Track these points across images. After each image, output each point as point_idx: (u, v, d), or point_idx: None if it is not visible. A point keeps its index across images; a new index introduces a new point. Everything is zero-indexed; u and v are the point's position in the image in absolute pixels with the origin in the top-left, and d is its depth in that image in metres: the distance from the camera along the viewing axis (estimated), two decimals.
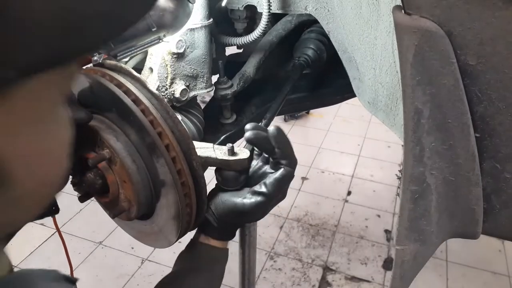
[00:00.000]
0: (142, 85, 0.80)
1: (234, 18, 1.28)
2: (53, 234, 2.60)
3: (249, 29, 1.26)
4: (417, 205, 0.73)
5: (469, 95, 0.65)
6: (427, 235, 0.78)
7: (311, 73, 1.51)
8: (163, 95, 1.09)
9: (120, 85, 0.78)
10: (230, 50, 1.46)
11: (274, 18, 1.29)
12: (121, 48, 0.87)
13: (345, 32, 1.04)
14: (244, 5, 1.22)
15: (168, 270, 0.89)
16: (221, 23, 1.29)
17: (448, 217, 0.78)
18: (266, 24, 1.14)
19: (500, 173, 0.71)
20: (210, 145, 0.92)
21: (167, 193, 0.79)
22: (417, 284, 2.29)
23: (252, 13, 1.27)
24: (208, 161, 0.89)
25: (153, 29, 0.84)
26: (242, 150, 0.87)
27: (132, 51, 0.89)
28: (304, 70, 1.38)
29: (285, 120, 3.98)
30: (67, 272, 0.88)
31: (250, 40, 1.20)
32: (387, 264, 2.46)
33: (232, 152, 0.87)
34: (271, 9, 1.12)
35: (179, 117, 0.96)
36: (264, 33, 1.19)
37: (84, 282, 2.34)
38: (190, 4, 0.88)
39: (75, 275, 0.86)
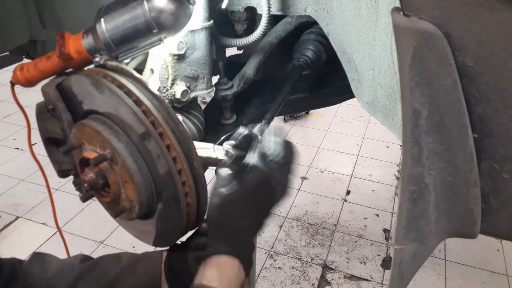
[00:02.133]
0: (143, 86, 0.81)
1: (234, 20, 1.29)
2: (54, 233, 2.60)
3: (249, 31, 1.27)
4: (416, 205, 0.74)
5: (467, 96, 0.65)
6: (425, 235, 0.78)
7: (311, 74, 1.52)
8: (164, 96, 1.10)
9: (121, 86, 0.78)
10: (230, 51, 1.47)
11: (274, 20, 1.29)
12: (122, 49, 0.87)
13: (344, 33, 1.05)
14: (244, 7, 1.22)
15: None
16: (222, 25, 1.30)
17: (447, 217, 0.79)
18: (266, 26, 1.15)
19: (498, 173, 0.72)
20: (211, 145, 0.93)
21: (168, 193, 0.80)
22: (416, 283, 2.30)
23: (252, 15, 1.28)
24: (208, 161, 0.90)
25: (154, 31, 0.85)
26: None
27: (133, 53, 0.89)
28: (303, 71, 1.39)
29: (285, 121, 3.98)
30: None
31: (250, 41, 1.21)
32: (386, 263, 2.47)
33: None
34: (271, 11, 1.12)
35: (180, 117, 0.97)
36: (264, 34, 1.20)
37: None
38: (191, 6, 0.89)
39: None
